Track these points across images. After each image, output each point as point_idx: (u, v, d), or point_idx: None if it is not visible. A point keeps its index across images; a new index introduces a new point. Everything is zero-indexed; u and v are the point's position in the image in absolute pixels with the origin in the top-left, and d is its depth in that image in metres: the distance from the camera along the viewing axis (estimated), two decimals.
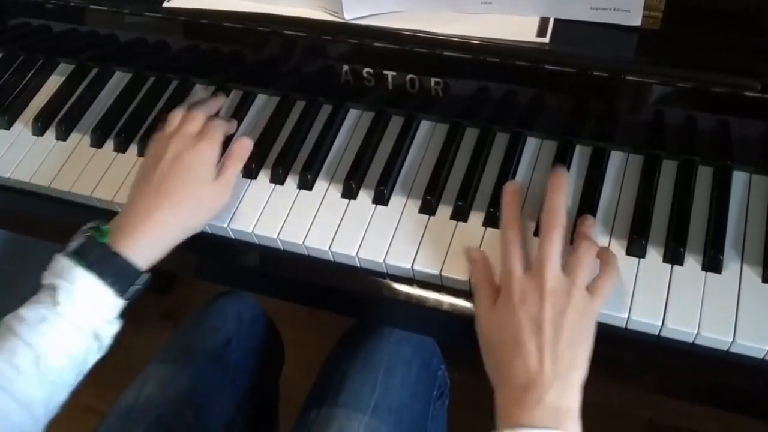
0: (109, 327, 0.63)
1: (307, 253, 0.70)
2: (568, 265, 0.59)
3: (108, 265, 0.62)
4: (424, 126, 0.76)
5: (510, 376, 0.56)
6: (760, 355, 0.59)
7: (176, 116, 0.72)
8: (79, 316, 0.60)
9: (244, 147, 0.72)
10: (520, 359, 0.55)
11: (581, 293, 0.57)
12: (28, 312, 0.60)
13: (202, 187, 0.68)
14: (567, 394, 0.54)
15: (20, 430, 0.57)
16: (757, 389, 0.61)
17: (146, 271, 0.65)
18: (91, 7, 0.79)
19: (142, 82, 0.86)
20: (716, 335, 0.59)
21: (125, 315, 0.64)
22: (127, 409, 0.77)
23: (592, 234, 0.63)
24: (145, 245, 0.64)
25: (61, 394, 0.61)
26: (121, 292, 0.62)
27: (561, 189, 0.62)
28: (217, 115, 0.78)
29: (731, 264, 0.62)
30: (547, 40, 0.62)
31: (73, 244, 0.63)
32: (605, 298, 0.59)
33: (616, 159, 0.70)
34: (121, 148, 0.80)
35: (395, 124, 0.76)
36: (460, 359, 1.09)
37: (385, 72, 0.71)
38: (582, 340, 0.57)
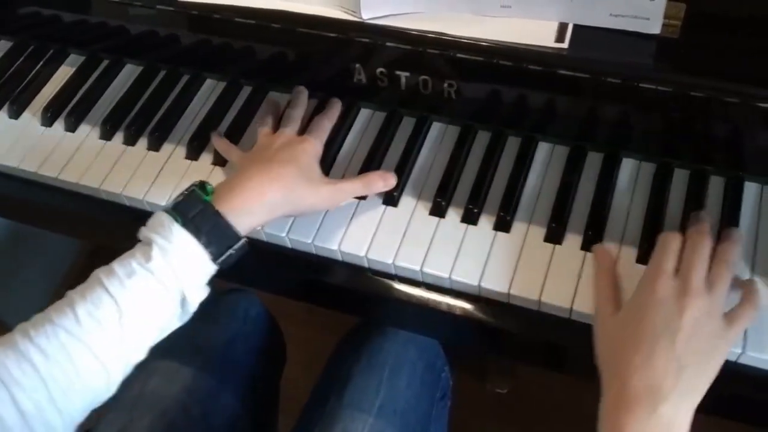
0: (197, 292, 0.60)
1: (315, 252, 0.70)
2: (708, 279, 0.56)
3: (207, 224, 0.59)
4: (436, 127, 0.76)
5: (628, 374, 0.52)
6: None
7: (270, 116, 0.73)
8: (170, 275, 0.57)
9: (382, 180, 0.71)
10: (644, 358, 0.52)
11: (720, 312, 0.55)
12: (120, 265, 0.57)
13: (311, 172, 0.67)
14: (680, 416, 0.51)
15: (95, 385, 0.55)
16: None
17: (244, 237, 0.61)
18: None
19: (153, 75, 0.85)
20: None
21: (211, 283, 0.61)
22: (133, 401, 0.77)
23: (734, 257, 0.59)
24: (249, 209, 0.62)
25: (139, 355, 0.59)
26: (216, 255, 0.59)
27: (707, 219, 0.62)
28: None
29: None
30: (565, 45, 0.62)
31: (176, 199, 0.61)
32: (742, 330, 0.56)
33: (627, 166, 0.70)
34: (130, 141, 0.79)
35: (407, 124, 0.76)
36: (459, 363, 1.10)
37: (399, 72, 0.70)
38: (709, 361, 0.53)
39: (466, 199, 0.69)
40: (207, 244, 0.59)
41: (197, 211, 0.59)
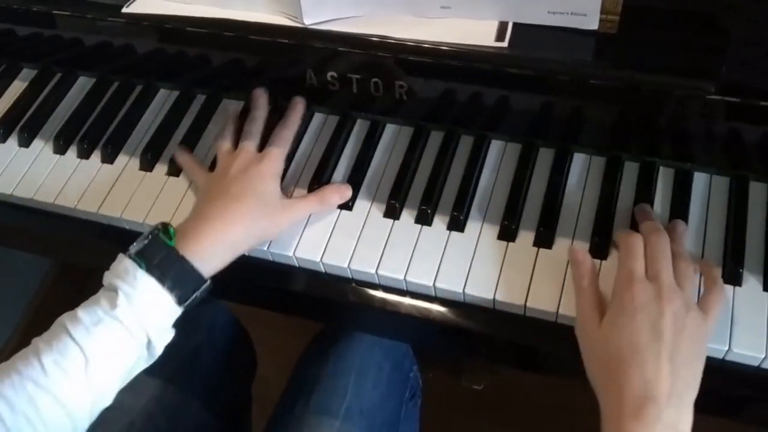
0: (163, 336, 0.61)
1: (272, 259, 0.70)
2: (676, 278, 0.57)
3: (172, 270, 0.59)
4: (390, 129, 0.76)
5: (625, 386, 0.52)
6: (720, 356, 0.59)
7: (228, 135, 0.72)
8: (136, 322, 0.58)
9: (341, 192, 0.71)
10: (638, 368, 0.52)
11: (695, 307, 0.56)
12: (85, 313, 0.57)
13: (271, 199, 0.67)
14: (684, 416, 0.52)
15: None
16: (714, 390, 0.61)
17: (208, 279, 0.62)
18: (54, 11, 0.78)
19: (105, 87, 0.85)
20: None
21: (178, 325, 0.62)
22: (100, 414, 0.77)
23: (685, 249, 0.61)
24: (212, 252, 0.62)
25: (105, 400, 0.59)
26: (181, 299, 0.60)
27: (650, 214, 0.63)
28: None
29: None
30: (505, 44, 0.62)
31: (139, 244, 0.60)
32: (718, 315, 0.57)
33: (578, 161, 0.70)
34: (84, 154, 0.79)
35: (361, 127, 0.76)
36: (434, 360, 1.10)
37: (350, 75, 0.70)
38: (697, 357, 0.54)
39: (419, 200, 0.69)
40: (172, 289, 0.59)
41: (161, 257, 0.59)
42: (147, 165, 0.77)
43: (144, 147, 0.78)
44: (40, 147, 0.81)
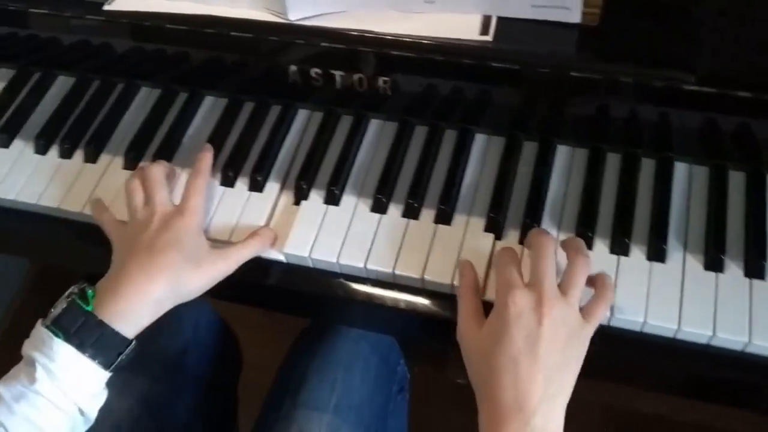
0: (94, 401, 0.59)
1: (260, 255, 0.70)
2: (562, 284, 0.57)
3: (92, 336, 0.57)
4: (374, 125, 0.76)
5: (497, 393, 0.54)
6: (704, 341, 0.61)
7: (135, 189, 0.68)
8: (60, 394, 0.56)
9: (266, 237, 0.69)
10: (511, 376, 0.54)
11: (576, 315, 0.56)
12: (6, 389, 0.56)
13: (199, 254, 0.64)
14: (552, 418, 0.53)
15: None
16: (703, 374, 0.63)
17: (133, 340, 0.60)
18: (31, 10, 0.77)
19: (86, 86, 0.84)
20: (662, 323, 0.60)
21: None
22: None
23: (584, 254, 0.60)
24: (135, 311, 0.60)
25: None
26: (106, 364, 0.58)
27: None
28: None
29: (675, 253, 0.64)
30: (490, 38, 0.62)
31: (56, 311, 0.58)
32: (598, 323, 0.58)
33: (562, 153, 0.71)
34: (66, 154, 0.78)
35: (345, 123, 0.77)
36: (421, 354, 1.10)
37: (333, 71, 0.70)
38: (573, 363, 0.56)
39: (406, 195, 0.70)
40: (94, 356, 0.57)
41: (79, 325, 0.57)
42: (131, 164, 0.76)
43: (127, 146, 0.77)
44: (21, 148, 0.80)
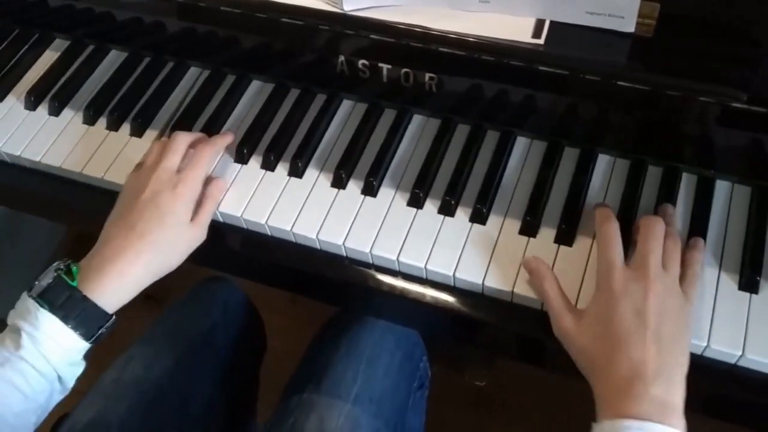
0: (73, 369, 0.63)
1: (294, 240, 0.71)
2: (663, 261, 0.59)
3: (75, 310, 0.61)
4: (417, 120, 0.77)
5: (612, 370, 0.54)
6: (732, 361, 0.60)
7: (158, 145, 0.71)
8: (42, 361, 0.60)
9: (220, 189, 0.72)
10: (624, 352, 0.54)
11: (678, 290, 0.58)
12: None
13: (178, 231, 0.67)
14: (672, 390, 0.53)
15: None
16: (728, 394, 0.62)
17: (113, 315, 0.64)
18: None
19: (137, 61, 0.86)
20: (694, 341, 0.60)
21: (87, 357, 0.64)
22: (110, 387, 0.78)
23: (677, 230, 0.63)
24: (115, 289, 0.63)
25: None
26: (87, 336, 0.62)
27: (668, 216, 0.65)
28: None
29: (709, 270, 0.63)
30: (542, 41, 0.63)
31: (41, 283, 0.62)
32: (697, 289, 0.60)
33: (602, 162, 0.71)
34: (113, 126, 0.80)
35: (388, 116, 0.77)
36: (437, 354, 1.11)
37: (381, 64, 0.71)
38: (683, 334, 0.56)
39: (443, 191, 0.70)
40: (76, 327, 0.61)
41: (65, 298, 0.61)
42: None
43: (173, 123, 0.79)
44: (70, 117, 0.82)
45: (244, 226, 0.72)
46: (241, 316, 0.92)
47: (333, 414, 0.76)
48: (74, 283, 0.62)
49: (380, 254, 0.68)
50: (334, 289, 0.74)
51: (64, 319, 0.60)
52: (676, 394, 0.54)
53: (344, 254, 0.70)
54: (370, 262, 0.69)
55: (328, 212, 0.71)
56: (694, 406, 0.68)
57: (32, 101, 0.83)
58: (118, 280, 0.63)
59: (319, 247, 0.70)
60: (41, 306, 0.60)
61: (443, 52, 0.66)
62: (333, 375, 0.79)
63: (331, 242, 0.69)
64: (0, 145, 0.80)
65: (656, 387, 0.53)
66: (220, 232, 0.73)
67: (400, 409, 0.82)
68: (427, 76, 0.70)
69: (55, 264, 0.63)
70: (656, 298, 0.56)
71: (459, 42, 0.65)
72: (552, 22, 0.63)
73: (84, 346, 0.62)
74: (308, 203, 0.71)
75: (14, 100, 0.84)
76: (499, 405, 1.30)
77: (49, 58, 0.88)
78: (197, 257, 0.75)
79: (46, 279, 0.62)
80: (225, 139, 0.75)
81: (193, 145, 0.72)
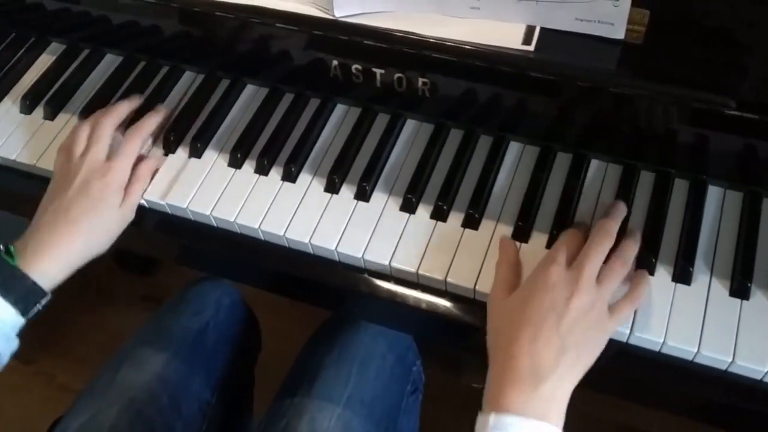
0: (8, 344, 0.65)
1: (287, 245, 0.71)
2: (599, 276, 0.60)
3: (15, 286, 0.64)
4: (410, 125, 0.77)
5: (514, 355, 0.56)
6: (722, 367, 0.60)
7: (83, 131, 0.73)
8: None
9: (149, 168, 0.75)
10: (531, 340, 0.56)
11: (604, 307, 0.59)
12: None
13: (110, 216, 0.71)
14: (560, 390, 0.55)
15: None
16: (719, 400, 0.62)
17: (49, 293, 0.67)
18: None
19: (132, 66, 0.86)
20: (682, 345, 0.60)
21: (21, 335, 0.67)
22: (102, 389, 0.78)
23: (630, 256, 0.63)
24: (51, 270, 0.67)
25: None
26: (24, 311, 0.65)
27: (620, 216, 0.65)
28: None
29: (701, 276, 0.63)
30: (532, 48, 0.63)
31: None
32: (622, 322, 0.60)
33: (594, 167, 0.71)
34: None
35: (381, 121, 0.77)
36: (433, 357, 1.11)
37: (374, 69, 0.71)
38: (590, 348, 0.58)
39: (436, 196, 0.70)
40: (15, 303, 0.64)
41: (5, 275, 0.65)
42: (170, 146, 0.78)
43: (167, 128, 0.79)
44: (65, 121, 0.82)
45: (238, 231, 0.73)
46: (235, 316, 0.93)
47: (324, 417, 0.76)
48: (13, 261, 0.65)
49: (373, 259, 0.68)
50: (327, 293, 0.75)
51: (4, 295, 0.63)
52: (562, 395, 0.55)
53: (337, 259, 0.70)
54: (363, 266, 0.70)
55: (321, 217, 0.71)
56: (683, 412, 0.69)
57: (28, 105, 0.83)
58: (54, 262, 0.67)
59: (312, 251, 0.71)
60: None
61: (434, 58, 0.66)
62: (325, 378, 0.80)
63: (324, 247, 0.69)
64: None
65: (546, 384, 0.54)
66: (214, 236, 0.74)
67: (392, 412, 0.82)
68: (420, 81, 0.70)
69: None
70: (578, 307, 0.57)
71: (449, 48, 0.65)
72: (542, 29, 0.63)
73: (20, 321, 0.65)
74: (301, 208, 0.72)
75: (10, 104, 0.85)
76: None
77: (44, 62, 0.88)
78: (192, 262, 0.76)
79: None
80: (152, 121, 0.77)
81: (118, 128, 0.75)
